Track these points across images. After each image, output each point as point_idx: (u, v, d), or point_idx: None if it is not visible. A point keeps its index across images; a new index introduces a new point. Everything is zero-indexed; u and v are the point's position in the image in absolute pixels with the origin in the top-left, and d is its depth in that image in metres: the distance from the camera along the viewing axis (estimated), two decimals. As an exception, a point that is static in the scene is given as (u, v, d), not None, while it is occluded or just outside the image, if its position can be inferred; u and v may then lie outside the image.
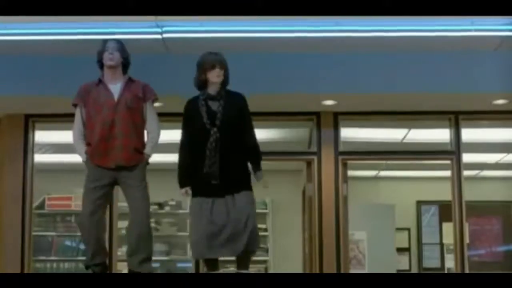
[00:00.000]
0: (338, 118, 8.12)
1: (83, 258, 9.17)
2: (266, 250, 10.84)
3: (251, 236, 5.20)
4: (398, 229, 11.24)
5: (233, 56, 7.06)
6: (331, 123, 8.09)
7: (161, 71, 7.21)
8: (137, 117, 5.57)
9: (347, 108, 8.01)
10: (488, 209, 11.60)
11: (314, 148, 8.15)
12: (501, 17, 6.36)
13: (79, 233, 9.24)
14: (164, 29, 6.63)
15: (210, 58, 5.38)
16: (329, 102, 7.72)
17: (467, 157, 8.14)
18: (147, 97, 5.67)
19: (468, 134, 8.17)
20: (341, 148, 8.15)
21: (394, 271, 9.95)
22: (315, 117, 8.11)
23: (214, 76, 5.35)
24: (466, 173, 8.14)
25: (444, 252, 11.89)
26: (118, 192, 8.17)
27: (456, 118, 8.10)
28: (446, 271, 11.42)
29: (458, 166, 8.06)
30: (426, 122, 8.35)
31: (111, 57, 5.60)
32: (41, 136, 8.37)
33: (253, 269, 10.14)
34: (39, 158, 8.34)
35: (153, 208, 10.31)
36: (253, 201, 5.33)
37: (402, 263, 11.77)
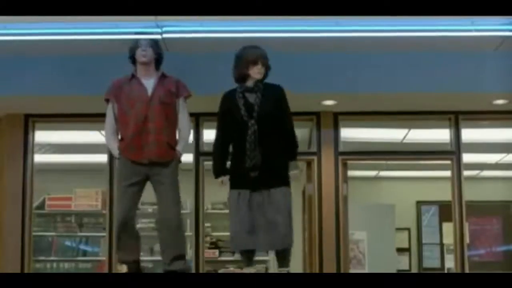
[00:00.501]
0: (338, 118, 8.12)
1: (83, 258, 9.27)
2: (266, 250, 10.84)
3: (286, 231, 5.20)
4: (398, 229, 11.24)
5: (233, 56, 7.10)
6: (331, 123, 8.09)
7: (161, 71, 7.22)
8: (170, 112, 5.56)
9: (347, 108, 8.01)
10: (488, 209, 11.60)
11: (314, 148, 8.15)
12: (501, 17, 6.35)
13: (79, 233, 9.36)
14: (164, 29, 6.63)
15: (253, 54, 5.37)
16: (329, 102, 7.72)
17: (467, 157, 8.14)
18: (180, 93, 5.67)
19: (468, 134, 8.17)
20: (341, 148, 8.15)
21: (394, 271, 9.95)
22: (315, 117, 8.11)
23: (256, 72, 5.36)
24: (466, 173, 8.14)
25: (444, 252, 11.90)
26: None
27: (456, 118, 8.11)
28: (446, 271, 11.42)
29: (458, 166, 8.06)
30: (426, 122, 8.35)
31: (144, 54, 5.61)
32: (41, 136, 8.37)
33: (253, 269, 10.16)
34: (39, 158, 8.34)
35: (153, 208, 10.32)
36: (290, 196, 5.34)
37: (402, 263, 11.78)
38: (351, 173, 8.57)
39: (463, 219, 8.02)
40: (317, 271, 7.91)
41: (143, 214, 10.34)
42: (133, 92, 5.55)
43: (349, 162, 8.28)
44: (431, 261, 12.10)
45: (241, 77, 5.42)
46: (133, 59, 5.69)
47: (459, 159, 8.07)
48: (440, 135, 8.30)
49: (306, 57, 7.14)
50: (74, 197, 9.20)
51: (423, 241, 12.20)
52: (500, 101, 7.59)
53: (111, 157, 8.15)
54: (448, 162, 8.18)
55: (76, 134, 9.03)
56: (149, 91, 5.54)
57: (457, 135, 8.11)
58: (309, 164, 8.25)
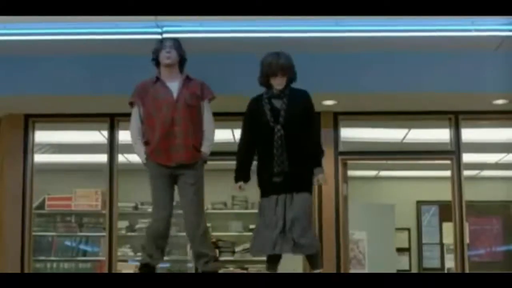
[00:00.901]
0: (338, 118, 8.12)
1: (83, 258, 9.26)
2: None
3: (307, 236, 5.20)
4: (398, 229, 11.24)
5: (233, 56, 7.10)
6: (331, 123, 8.09)
7: (161, 71, 7.22)
8: (195, 115, 5.54)
9: (347, 108, 8.01)
10: (488, 209, 11.60)
11: (314, 148, 8.14)
12: (501, 17, 6.36)
13: (79, 233, 9.35)
14: (164, 29, 6.63)
15: (272, 66, 5.32)
16: (329, 102, 7.72)
17: (467, 157, 8.14)
18: (205, 95, 5.64)
19: (468, 134, 8.18)
20: (341, 148, 8.15)
21: (394, 271, 9.95)
22: (315, 117, 8.11)
23: (277, 84, 5.34)
24: (466, 173, 8.14)
25: (444, 252, 11.90)
26: (118, 192, 8.22)
27: (456, 118, 8.11)
28: (446, 271, 11.42)
29: (458, 166, 8.06)
30: (426, 122, 8.35)
31: (168, 56, 5.56)
32: (41, 136, 8.37)
33: (253, 269, 10.15)
34: (39, 158, 8.34)
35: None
36: (311, 202, 5.35)
37: (402, 263, 11.78)
38: (351, 173, 8.57)
39: (463, 219, 8.02)
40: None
41: (143, 214, 10.34)
42: (159, 95, 5.50)
43: (349, 162, 8.28)
44: (431, 261, 12.10)
45: (265, 85, 5.42)
46: (156, 61, 5.63)
47: (459, 159, 8.07)
48: (440, 135, 8.30)
49: (306, 57, 7.13)
50: (74, 197, 9.19)
51: (423, 241, 12.20)
52: (500, 101, 7.59)
53: (111, 157, 8.16)
54: (448, 162, 8.18)
55: (76, 134, 9.03)
56: (174, 94, 5.50)
57: (457, 135, 8.11)
58: (309, 164, 8.24)
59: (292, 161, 5.23)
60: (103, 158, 8.20)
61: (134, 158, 9.99)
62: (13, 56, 7.14)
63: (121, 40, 6.77)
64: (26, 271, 7.93)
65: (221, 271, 10.06)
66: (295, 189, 5.23)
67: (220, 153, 8.60)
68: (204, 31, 6.64)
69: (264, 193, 5.32)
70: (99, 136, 8.47)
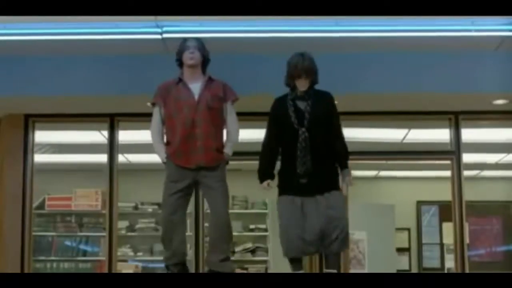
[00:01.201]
0: (338, 118, 8.11)
1: (83, 258, 9.26)
2: (266, 250, 10.83)
3: (342, 236, 5.22)
4: (398, 229, 11.24)
5: (232, 56, 7.10)
6: (331, 123, 8.07)
7: (161, 71, 7.20)
8: (217, 117, 5.52)
9: (347, 108, 7.99)
10: (488, 209, 11.59)
11: (314, 148, 8.13)
12: (501, 17, 6.35)
13: (79, 233, 9.35)
14: (164, 29, 6.63)
15: (297, 68, 5.36)
16: (329, 102, 7.70)
17: (467, 157, 8.14)
18: (228, 97, 5.61)
19: (468, 134, 8.17)
20: (341, 148, 8.13)
21: (394, 271, 9.95)
22: (315, 117, 8.10)
23: (301, 85, 5.38)
24: (466, 173, 8.14)
25: (444, 252, 11.89)
26: (118, 192, 8.22)
27: (456, 118, 8.10)
28: (446, 271, 11.42)
29: (458, 166, 8.06)
30: (426, 122, 8.35)
31: (192, 56, 5.54)
32: (41, 136, 8.37)
33: (253, 269, 10.16)
34: (39, 158, 8.34)
35: (153, 208, 10.33)
36: (344, 201, 5.39)
37: (402, 263, 11.78)
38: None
39: (463, 219, 8.02)
40: (317, 271, 7.90)
41: (143, 214, 10.35)
42: (181, 96, 5.48)
43: (349, 162, 8.26)
44: (431, 261, 12.09)
45: (290, 86, 5.44)
46: (179, 62, 5.61)
47: (459, 159, 8.07)
48: (440, 135, 8.30)
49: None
50: (74, 197, 9.19)
51: (423, 241, 12.19)
52: (500, 101, 7.59)
53: (111, 157, 8.16)
54: (448, 162, 8.18)
55: (76, 134, 9.03)
56: (196, 95, 5.48)
57: (457, 135, 8.10)
58: (309, 164, 8.23)
59: (316, 162, 5.25)
60: (103, 158, 8.20)
61: (134, 158, 10.05)
62: (13, 56, 7.14)
63: (121, 40, 6.77)
64: (26, 271, 7.93)
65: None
66: (321, 190, 5.25)
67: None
68: (204, 31, 6.63)
69: (287, 194, 5.32)
70: (99, 136, 8.47)
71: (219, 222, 5.45)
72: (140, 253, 10.17)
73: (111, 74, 7.25)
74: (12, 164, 8.08)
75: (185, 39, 5.69)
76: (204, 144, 5.41)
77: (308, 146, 5.25)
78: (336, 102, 7.69)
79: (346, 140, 8.30)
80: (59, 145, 9.31)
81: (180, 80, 5.56)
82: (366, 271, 10.31)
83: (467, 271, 7.90)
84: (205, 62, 5.63)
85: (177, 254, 5.51)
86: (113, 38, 6.71)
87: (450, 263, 10.62)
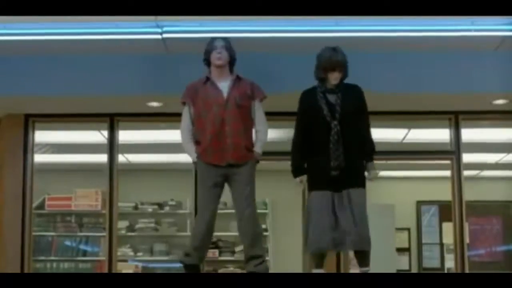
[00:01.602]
0: (338, 118, 8.10)
1: (83, 258, 9.26)
2: (266, 250, 10.84)
3: (366, 232, 5.39)
4: (398, 229, 11.22)
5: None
6: (331, 123, 8.07)
7: (161, 71, 7.21)
8: (246, 115, 5.58)
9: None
10: (488, 209, 11.59)
11: (314, 148, 8.13)
12: (501, 17, 6.35)
13: (79, 233, 9.35)
14: (164, 29, 6.63)
15: (331, 61, 5.39)
16: (329, 102, 7.70)
17: (467, 157, 8.13)
18: (256, 95, 5.68)
19: (468, 134, 8.17)
20: (341, 148, 8.12)
21: (394, 271, 9.94)
22: (315, 117, 8.09)
23: (333, 79, 5.41)
24: (466, 173, 8.13)
25: (444, 252, 11.89)
26: (118, 192, 8.22)
27: (456, 118, 8.10)
28: (446, 271, 11.42)
29: (458, 166, 8.06)
30: (426, 122, 8.34)
31: (219, 56, 5.60)
32: (41, 136, 8.37)
33: (322, 270, 10.14)
34: (39, 158, 8.33)
35: (153, 208, 10.34)
36: (365, 198, 5.49)
37: (402, 263, 11.77)
38: (351, 173, 8.53)
39: (463, 219, 8.01)
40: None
41: (143, 214, 10.35)
42: (209, 95, 5.54)
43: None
44: (431, 261, 12.09)
45: (320, 79, 5.46)
46: (207, 62, 5.67)
47: (459, 159, 8.06)
48: (440, 135, 8.29)
49: (306, 57, 7.12)
50: (74, 197, 9.19)
51: (423, 241, 12.18)
52: (500, 101, 7.59)
53: (111, 157, 8.16)
54: (448, 162, 8.17)
55: (76, 134, 9.03)
56: (225, 94, 5.54)
57: (457, 135, 8.10)
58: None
59: (347, 156, 5.30)
60: (103, 158, 8.20)
61: (134, 158, 10.06)
62: (13, 56, 7.14)
63: (121, 40, 6.77)
64: (26, 271, 7.93)
65: (221, 271, 10.11)
66: (352, 184, 5.33)
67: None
68: (204, 31, 6.63)
69: (318, 188, 5.34)
70: (99, 136, 8.47)
71: (245, 222, 5.51)
72: (140, 253, 10.17)
73: (111, 74, 7.25)
74: (12, 164, 8.08)
75: (212, 39, 5.75)
76: (233, 141, 5.47)
77: (341, 139, 5.27)
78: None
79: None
80: (59, 145, 9.31)
81: (208, 79, 5.62)
82: (366, 271, 10.29)
83: (467, 271, 7.90)
84: (232, 61, 5.69)
85: (195, 254, 5.56)
86: (113, 38, 6.71)
87: (450, 263, 10.61)
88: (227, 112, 5.47)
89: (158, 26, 6.59)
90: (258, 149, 5.62)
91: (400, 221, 11.28)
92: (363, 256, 5.42)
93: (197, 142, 5.59)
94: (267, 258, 10.78)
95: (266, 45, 6.90)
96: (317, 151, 5.37)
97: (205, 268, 8.21)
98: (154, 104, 7.64)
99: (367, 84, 7.23)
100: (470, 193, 8.19)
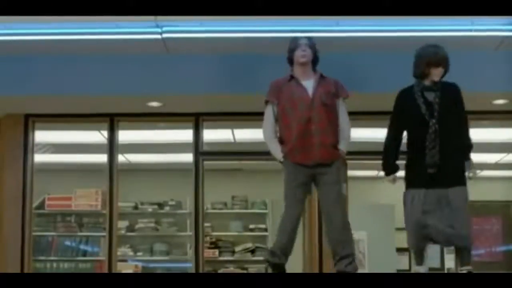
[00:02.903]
0: (338, 118, 8.10)
1: (83, 258, 9.26)
2: (266, 250, 10.85)
3: (468, 230, 5.44)
4: (398, 229, 11.19)
5: (232, 56, 7.10)
6: (331, 123, 8.06)
7: (161, 71, 7.22)
8: (331, 113, 5.54)
9: (347, 108, 7.99)
10: (488, 209, 11.58)
11: (314, 148, 8.12)
12: (501, 17, 6.36)
13: (79, 233, 9.35)
14: (164, 29, 6.64)
15: (437, 56, 5.38)
16: (329, 102, 7.70)
17: (467, 157, 8.11)
18: (340, 93, 5.66)
19: (468, 134, 8.15)
20: (341, 148, 8.12)
21: (394, 271, 9.94)
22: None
23: (436, 74, 5.39)
24: (466, 173, 8.10)
25: (444, 252, 11.88)
26: (118, 192, 8.22)
27: (456, 118, 8.09)
28: (446, 271, 11.41)
29: (458, 166, 8.04)
30: (426, 122, 8.33)
31: (303, 54, 5.59)
32: (41, 136, 8.37)
33: (253, 269, 10.15)
34: (39, 158, 8.34)
35: (153, 208, 10.33)
36: (467, 197, 5.48)
37: (402, 263, 11.76)
38: (351, 173, 8.55)
39: (463, 219, 7.99)
40: (317, 271, 7.90)
41: (143, 214, 10.34)
42: (294, 94, 5.50)
43: (349, 162, 8.26)
44: (431, 261, 12.02)
45: (421, 76, 5.44)
46: (290, 60, 5.65)
47: (459, 159, 8.05)
48: (440, 135, 8.27)
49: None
50: (74, 197, 9.19)
51: (423, 241, 12.16)
52: (500, 101, 7.59)
53: (111, 157, 8.16)
54: (448, 162, 8.16)
55: (76, 134, 9.03)
56: (310, 92, 5.51)
57: (457, 135, 8.08)
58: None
59: (445, 154, 5.30)
60: (103, 158, 8.20)
61: (134, 158, 10.05)
62: (13, 56, 7.14)
63: (121, 40, 6.77)
64: (26, 271, 7.93)
65: (221, 271, 10.10)
66: (451, 183, 5.34)
67: (220, 153, 8.64)
68: (204, 31, 6.64)
69: (415, 187, 5.38)
70: (99, 136, 8.47)
71: (334, 224, 5.47)
72: (140, 253, 10.17)
73: (111, 74, 7.25)
74: (12, 164, 8.08)
75: (296, 37, 5.74)
76: (320, 140, 5.43)
77: (438, 138, 5.27)
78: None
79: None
80: (59, 145, 9.32)
81: (292, 77, 5.59)
82: (366, 271, 10.29)
83: (467, 271, 7.88)
84: (315, 59, 5.68)
85: (280, 252, 5.51)
86: (113, 38, 6.72)
87: (450, 263, 10.61)
88: (313, 111, 5.43)
89: (158, 26, 6.60)
90: (342, 146, 5.59)
91: (400, 221, 11.23)
92: (463, 255, 5.43)
93: (281, 141, 5.55)
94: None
95: (264, 45, 6.91)
96: (414, 150, 5.38)
97: (205, 268, 8.23)
98: (154, 104, 7.64)
99: (367, 84, 7.27)
100: (470, 193, 8.16)
